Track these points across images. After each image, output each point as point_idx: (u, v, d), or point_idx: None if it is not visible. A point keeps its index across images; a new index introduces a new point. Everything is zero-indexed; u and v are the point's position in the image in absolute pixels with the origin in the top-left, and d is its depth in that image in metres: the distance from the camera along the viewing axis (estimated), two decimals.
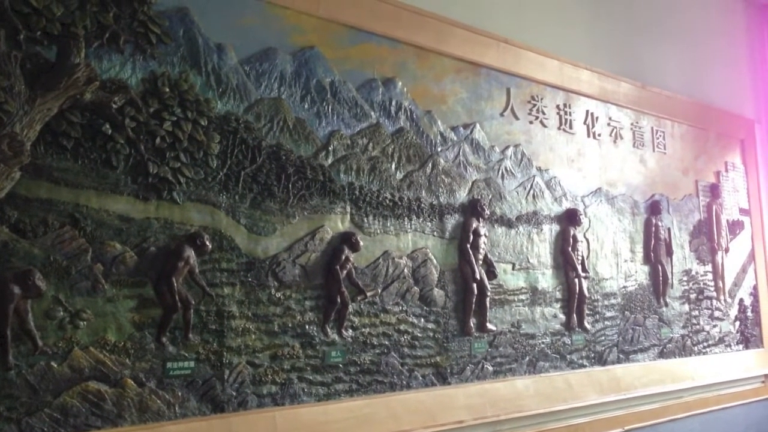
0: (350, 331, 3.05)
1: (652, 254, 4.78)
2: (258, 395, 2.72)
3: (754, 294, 5.67)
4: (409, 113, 3.44)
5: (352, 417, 2.96)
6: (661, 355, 4.71)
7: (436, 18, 3.58)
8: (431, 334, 3.35)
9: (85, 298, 2.35)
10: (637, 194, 4.78)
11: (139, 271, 2.48)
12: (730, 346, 5.33)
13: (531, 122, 4.10)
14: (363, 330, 3.09)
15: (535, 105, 4.13)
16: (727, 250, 5.47)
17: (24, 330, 2.21)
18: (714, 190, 5.45)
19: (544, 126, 4.18)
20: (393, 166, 3.34)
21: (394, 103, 3.38)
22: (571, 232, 4.16)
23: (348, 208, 3.12)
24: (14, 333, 2.19)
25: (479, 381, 3.52)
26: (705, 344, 5.11)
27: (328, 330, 2.97)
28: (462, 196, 3.63)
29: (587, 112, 4.51)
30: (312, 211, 3.00)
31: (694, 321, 5.05)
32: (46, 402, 2.23)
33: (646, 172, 4.89)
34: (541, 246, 4.02)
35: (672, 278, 4.91)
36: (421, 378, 3.28)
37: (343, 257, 3.02)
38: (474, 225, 3.60)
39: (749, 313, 5.58)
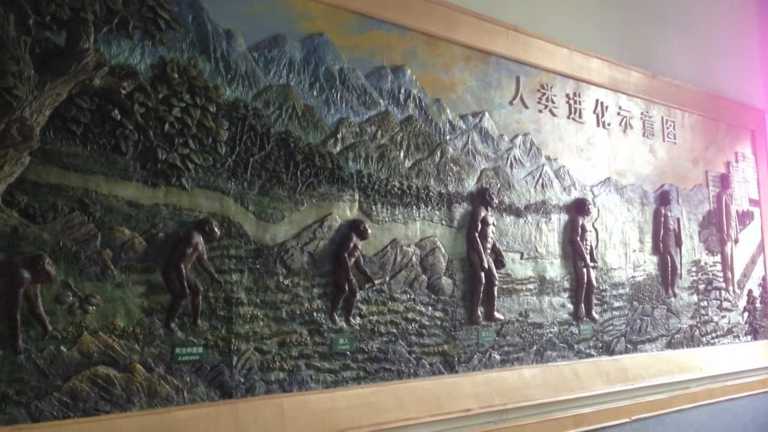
0: (358, 318, 3.05)
1: (661, 244, 4.76)
2: (266, 382, 2.73)
3: (763, 285, 5.65)
4: (417, 101, 3.43)
5: (359, 404, 2.97)
6: (669, 345, 4.70)
7: (446, 6, 3.56)
8: (439, 322, 3.35)
9: (94, 283, 2.36)
10: (646, 184, 4.75)
11: (148, 256, 2.49)
12: (738, 337, 5.32)
13: (540, 111, 4.08)
14: (371, 318, 3.10)
15: (544, 94, 4.11)
16: (736, 241, 5.45)
17: (33, 314, 2.22)
18: (724, 181, 5.43)
19: (554, 115, 4.16)
20: (402, 154, 3.33)
21: (403, 91, 3.37)
22: (580, 222, 4.14)
23: (356, 196, 3.12)
24: (24, 317, 2.20)
25: (486, 370, 3.52)
26: (713, 335, 5.09)
27: (336, 317, 2.98)
28: (470, 184, 3.62)
29: (597, 101, 4.48)
30: (320, 199, 2.99)
31: (703, 312, 5.03)
32: (56, 386, 2.25)
33: (656, 162, 4.87)
34: (550, 235, 4.01)
35: (681, 269, 4.89)
36: (428, 366, 3.28)
37: (352, 245, 3.02)
38: (482, 214, 3.59)
39: (758, 305, 5.56)
